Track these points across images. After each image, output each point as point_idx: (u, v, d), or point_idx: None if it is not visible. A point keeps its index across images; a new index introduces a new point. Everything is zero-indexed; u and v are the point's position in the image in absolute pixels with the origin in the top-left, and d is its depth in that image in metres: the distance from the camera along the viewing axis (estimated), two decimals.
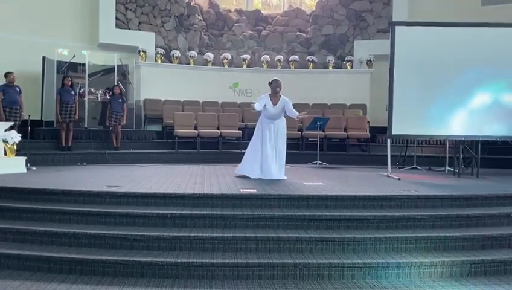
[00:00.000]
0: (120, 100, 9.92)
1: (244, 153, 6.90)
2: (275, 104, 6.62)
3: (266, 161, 6.56)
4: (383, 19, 13.47)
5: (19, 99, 8.66)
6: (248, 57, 13.36)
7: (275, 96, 6.64)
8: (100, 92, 11.04)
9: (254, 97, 11.30)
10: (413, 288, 3.81)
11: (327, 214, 4.67)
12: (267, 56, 13.36)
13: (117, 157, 9.51)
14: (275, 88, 6.63)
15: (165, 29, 13.21)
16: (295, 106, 12.06)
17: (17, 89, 8.66)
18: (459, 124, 7.50)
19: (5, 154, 7.39)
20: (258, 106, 6.56)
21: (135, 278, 3.88)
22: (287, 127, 6.92)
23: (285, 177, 6.60)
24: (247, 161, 6.75)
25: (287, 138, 6.87)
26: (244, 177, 6.60)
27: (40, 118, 10.41)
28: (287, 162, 6.86)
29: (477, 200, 5.23)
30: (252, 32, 14.08)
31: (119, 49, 12.00)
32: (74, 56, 10.83)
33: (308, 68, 13.32)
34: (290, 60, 13.33)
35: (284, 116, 6.75)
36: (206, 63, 13.03)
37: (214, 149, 10.50)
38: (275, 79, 6.73)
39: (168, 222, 4.57)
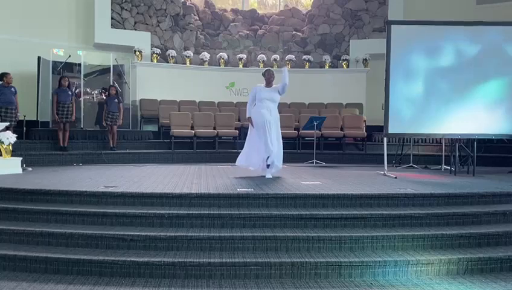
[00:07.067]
0: (116, 100, 9.90)
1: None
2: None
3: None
4: (378, 18, 13.52)
5: (15, 100, 8.62)
6: (244, 56, 13.37)
7: (268, 85, 6.67)
8: (96, 92, 11.00)
9: None
10: (410, 286, 3.82)
11: (324, 213, 4.67)
12: (263, 55, 13.37)
13: (113, 157, 9.49)
14: (268, 78, 6.67)
15: (161, 28, 13.19)
16: (291, 104, 12.33)
17: (12, 89, 8.60)
18: (455, 122, 7.52)
19: (1, 155, 7.37)
20: (249, 103, 6.66)
21: (132, 278, 3.87)
22: (283, 126, 6.90)
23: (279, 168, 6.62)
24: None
25: (284, 137, 6.87)
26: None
27: (35, 119, 10.38)
28: (284, 161, 6.87)
29: (474, 198, 5.24)
30: (248, 32, 14.07)
31: (114, 49, 11.98)
32: (70, 56, 10.81)
33: (304, 67, 13.34)
34: (286, 59, 13.34)
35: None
36: (202, 62, 13.02)
37: (211, 149, 10.49)
38: (268, 69, 6.76)
39: (165, 222, 4.57)
